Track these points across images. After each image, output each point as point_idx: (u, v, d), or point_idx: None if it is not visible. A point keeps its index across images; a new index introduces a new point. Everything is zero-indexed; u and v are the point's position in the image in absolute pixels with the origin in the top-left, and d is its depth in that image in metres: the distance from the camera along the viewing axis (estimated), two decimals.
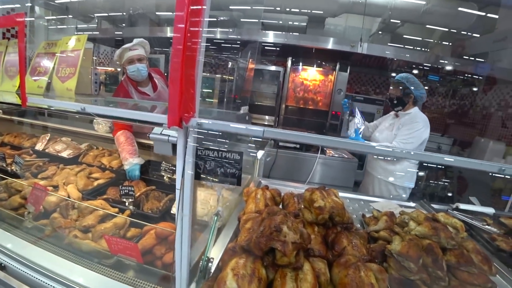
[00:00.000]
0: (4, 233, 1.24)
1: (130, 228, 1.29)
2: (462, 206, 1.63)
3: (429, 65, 3.79)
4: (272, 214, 0.76)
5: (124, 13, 4.49)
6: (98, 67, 5.05)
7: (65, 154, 2.09)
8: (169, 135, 0.59)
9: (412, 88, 2.12)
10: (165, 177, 1.72)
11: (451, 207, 1.65)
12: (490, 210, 1.60)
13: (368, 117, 4.25)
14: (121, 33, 4.43)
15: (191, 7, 0.56)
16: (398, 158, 2.22)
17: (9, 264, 1.12)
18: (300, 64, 4.30)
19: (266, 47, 4.01)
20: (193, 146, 0.60)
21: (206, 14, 0.60)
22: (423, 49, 4.04)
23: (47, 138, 2.22)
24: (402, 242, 0.89)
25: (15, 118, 2.48)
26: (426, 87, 4.99)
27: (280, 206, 1.17)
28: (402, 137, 2.07)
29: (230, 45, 4.35)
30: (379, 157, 2.29)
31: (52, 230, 1.25)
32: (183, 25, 0.56)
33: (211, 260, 0.69)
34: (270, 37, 3.78)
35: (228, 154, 0.63)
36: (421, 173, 3.91)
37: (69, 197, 1.49)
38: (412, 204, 1.74)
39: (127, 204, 1.38)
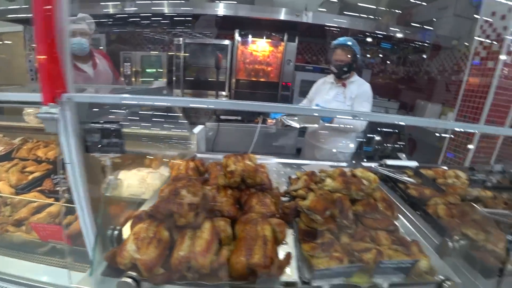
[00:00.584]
0: None
1: (67, 216, 1.31)
2: (389, 162, 1.83)
3: (380, 33, 3.93)
4: (176, 181, 0.85)
5: None
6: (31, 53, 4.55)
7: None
8: (53, 113, 0.63)
9: (358, 53, 2.08)
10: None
11: (380, 163, 1.81)
12: (413, 164, 1.79)
13: None
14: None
15: None
16: (348, 130, 2.16)
17: None
18: (250, 36, 4.27)
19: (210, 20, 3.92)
20: (72, 120, 0.65)
21: None
22: (371, 16, 4.15)
23: None
24: (311, 197, 1.03)
25: None
26: (381, 55, 5.34)
27: (207, 175, 1.25)
28: (363, 108, 2.05)
29: (177, 20, 4.17)
30: (327, 129, 2.19)
31: None
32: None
33: (117, 228, 0.77)
34: (217, 9, 3.69)
35: (109, 125, 0.68)
36: (377, 138, 4.32)
37: (0, 193, 1.46)
38: (344, 164, 1.85)
39: (61, 192, 1.38)
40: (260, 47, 4.30)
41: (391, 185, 1.51)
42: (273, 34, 4.22)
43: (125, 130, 1.83)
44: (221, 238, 0.78)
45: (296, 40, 4.13)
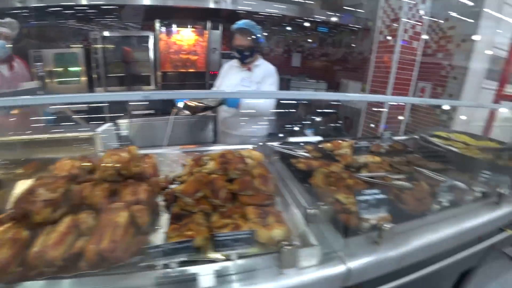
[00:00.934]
0: None
1: None
2: (292, 139, 2.00)
3: (305, 18, 4.07)
4: (38, 180, 0.86)
5: None
6: None
7: None
8: None
9: (259, 36, 2.07)
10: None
11: (281, 142, 1.92)
12: (315, 139, 1.98)
13: None
14: None
15: None
16: (259, 115, 2.18)
17: None
18: (173, 26, 4.15)
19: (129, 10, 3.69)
20: None
21: None
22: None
23: None
24: (187, 181, 1.10)
25: None
26: (310, 40, 5.62)
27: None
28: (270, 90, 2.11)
29: (92, 12, 3.84)
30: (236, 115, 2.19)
31: None
32: None
33: None
34: None
35: None
36: (317, 119, 4.67)
37: None
38: (250, 147, 1.87)
39: None
40: (184, 36, 4.22)
41: (287, 162, 1.61)
42: (196, 22, 4.17)
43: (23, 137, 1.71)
44: (82, 230, 0.82)
45: (220, 28, 4.14)
